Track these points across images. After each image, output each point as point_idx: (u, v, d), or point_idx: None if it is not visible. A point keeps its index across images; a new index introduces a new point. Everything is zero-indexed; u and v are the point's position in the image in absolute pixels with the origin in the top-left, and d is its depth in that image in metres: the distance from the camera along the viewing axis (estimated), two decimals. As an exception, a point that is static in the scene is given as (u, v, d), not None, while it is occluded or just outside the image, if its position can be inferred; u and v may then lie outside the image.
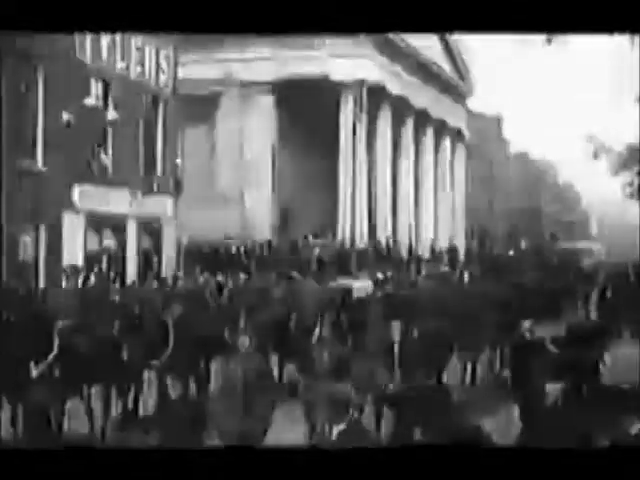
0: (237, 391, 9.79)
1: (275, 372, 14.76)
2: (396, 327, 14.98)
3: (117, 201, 24.89)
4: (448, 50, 48.16)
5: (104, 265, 24.58)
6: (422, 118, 45.81)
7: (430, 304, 18.11)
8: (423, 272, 28.32)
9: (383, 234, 40.19)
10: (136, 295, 18.38)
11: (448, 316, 16.24)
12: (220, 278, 23.51)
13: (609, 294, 22.47)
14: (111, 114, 24.41)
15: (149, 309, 15.17)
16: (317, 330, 13.76)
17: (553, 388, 9.05)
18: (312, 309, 16.99)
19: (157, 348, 12.84)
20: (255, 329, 15.62)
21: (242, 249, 33.49)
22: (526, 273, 28.62)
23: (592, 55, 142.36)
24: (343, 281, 23.89)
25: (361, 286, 23.16)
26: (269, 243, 35.26)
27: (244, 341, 10.17)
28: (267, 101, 38.57)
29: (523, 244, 48.72)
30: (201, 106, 36.76)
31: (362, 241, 37.57)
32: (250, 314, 16.31)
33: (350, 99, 38.21)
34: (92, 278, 22.51)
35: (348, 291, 20.26)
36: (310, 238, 36.61)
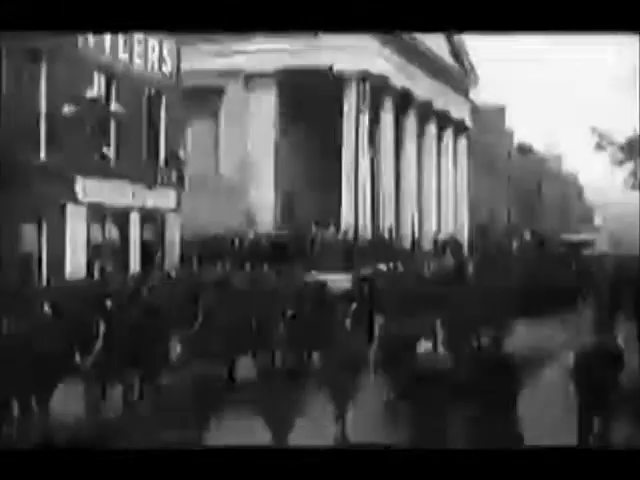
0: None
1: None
2: (378, 322, 14.63)
3: (120, 193, 24.89)
4: (451, 42, 48.00)
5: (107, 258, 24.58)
6: (425, 109, 45.68)
7: (417, 298, 17.90)
8: (425, 265, 28.17)
9: (386, 226, 40.11)
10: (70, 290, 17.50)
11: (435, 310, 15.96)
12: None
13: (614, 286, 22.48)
14: (114, 106, 24.38)
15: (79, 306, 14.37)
16: (280, 326, 13.24)
17: None
18: (275, 303, 16.28)
19: (88, 346, 12.36)
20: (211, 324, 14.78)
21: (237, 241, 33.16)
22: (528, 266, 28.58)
23: (596, 47, 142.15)
24: (319, 275, 23.27)
25: (337, 280, 22.56)
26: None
27: None
28: (270, 92, 38.50)
29: (526, 236, 48.65)
30: (205, 98, 36.69)
31: (365, 233, 37.49)
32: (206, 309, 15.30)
33: (353, 90, 38.10)
34: (95, 271, 22.51)
35: (322, 286, 19.55)
36: (314, 228, 36.13)
